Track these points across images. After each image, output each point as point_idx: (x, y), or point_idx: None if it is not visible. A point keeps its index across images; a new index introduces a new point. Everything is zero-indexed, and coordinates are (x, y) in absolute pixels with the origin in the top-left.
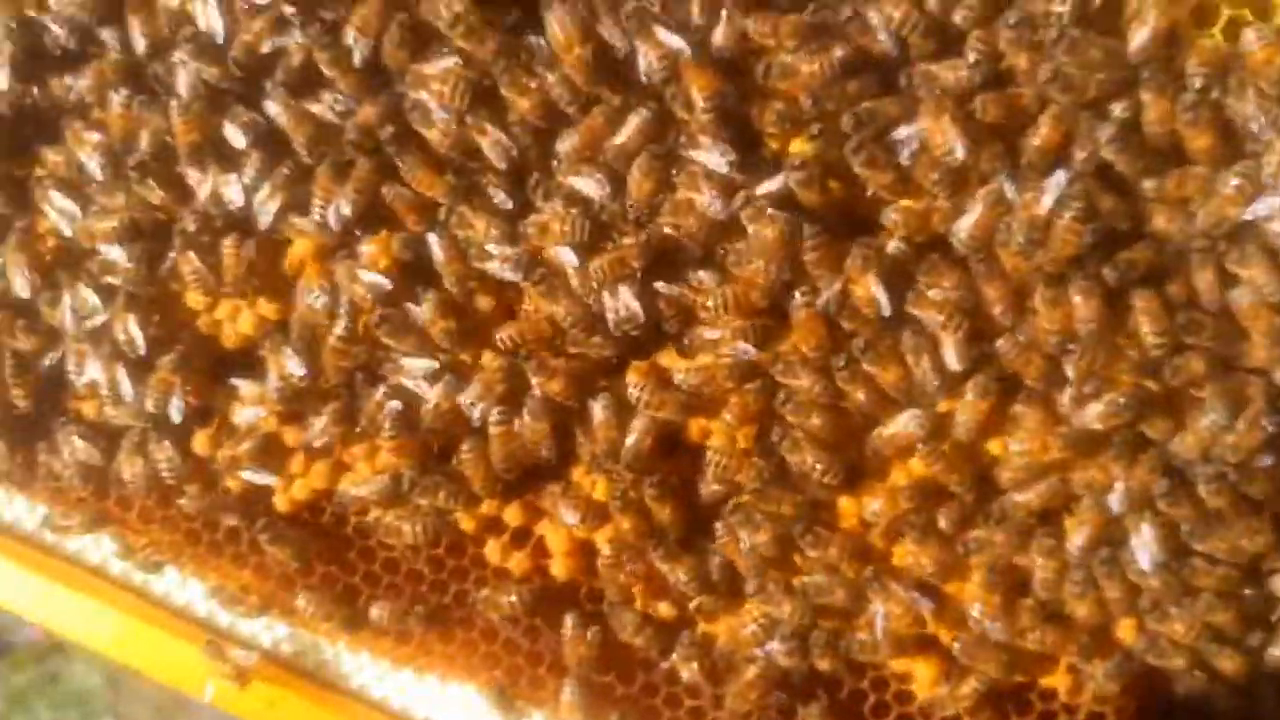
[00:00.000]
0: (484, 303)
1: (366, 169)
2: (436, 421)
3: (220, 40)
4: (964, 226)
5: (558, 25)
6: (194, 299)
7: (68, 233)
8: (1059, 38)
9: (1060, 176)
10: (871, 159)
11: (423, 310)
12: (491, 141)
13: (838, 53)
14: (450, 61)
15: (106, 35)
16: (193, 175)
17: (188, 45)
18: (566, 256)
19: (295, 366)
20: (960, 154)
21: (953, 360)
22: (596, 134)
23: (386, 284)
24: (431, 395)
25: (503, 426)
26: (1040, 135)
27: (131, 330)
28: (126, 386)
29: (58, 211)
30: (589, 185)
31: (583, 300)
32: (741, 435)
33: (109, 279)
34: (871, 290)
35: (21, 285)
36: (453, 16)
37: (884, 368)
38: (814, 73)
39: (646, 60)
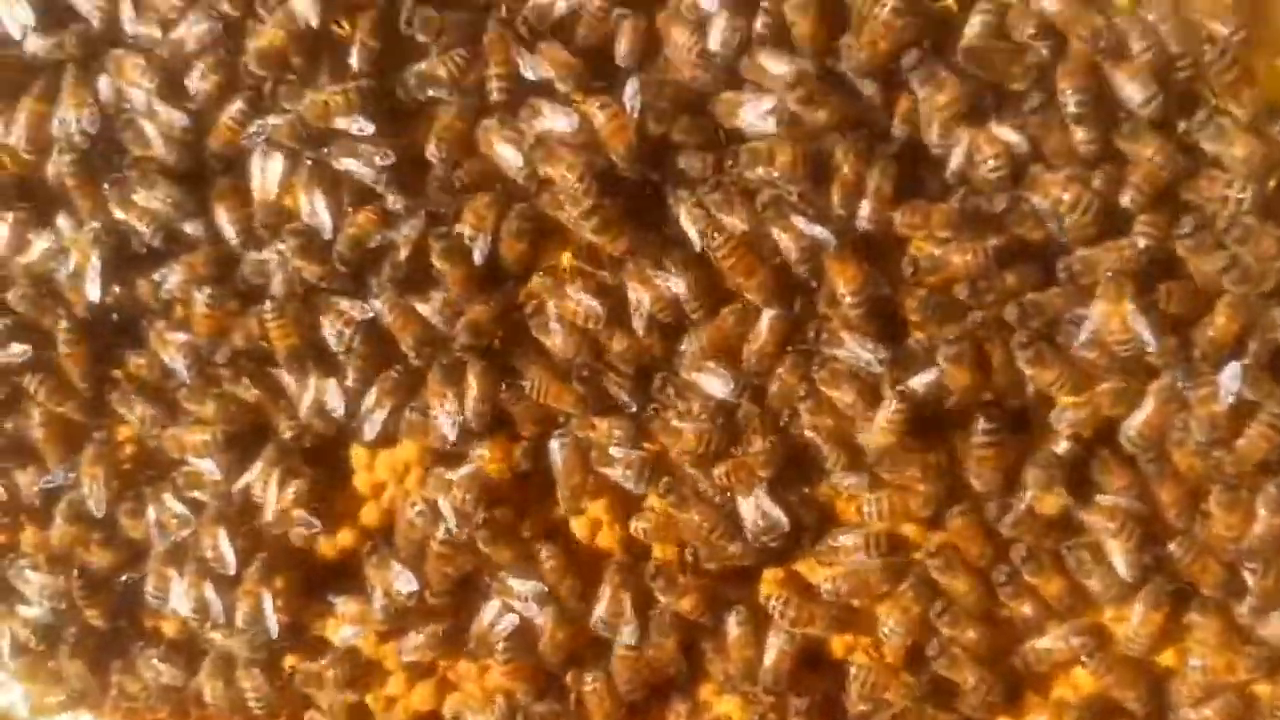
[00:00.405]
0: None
1: (481, 373)
2: (555, 654)
3: (328, 235)
4: (1134, 425)
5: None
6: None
7: (152, 441)
8: (1232, 226)
9: (1235, 369)
10: (1039, 355)
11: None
12: (623, 348)
13: (992, 242)
14: (595, 304)
15: (191, 229)
16: (291, 383)
17: (292, 240)
18: (692, 466)
19: (405, 583)
20: (1151, 342)
21: (1124, 570)
22: (726, 334)
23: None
24: (543, 621)
25: (634, 651)
26: (1215, 326)
27: (222, 547)
28: (217, 607)
29: (140, 419)
30: (716, 384)
31: (719, 506)
32: (889, 649)
33: (196, 493)
34: (1060, 504)
35: (98, 502)
36: (586, 209)
37: (1047, 579)
38: (968, 264)
39: (787, 251)
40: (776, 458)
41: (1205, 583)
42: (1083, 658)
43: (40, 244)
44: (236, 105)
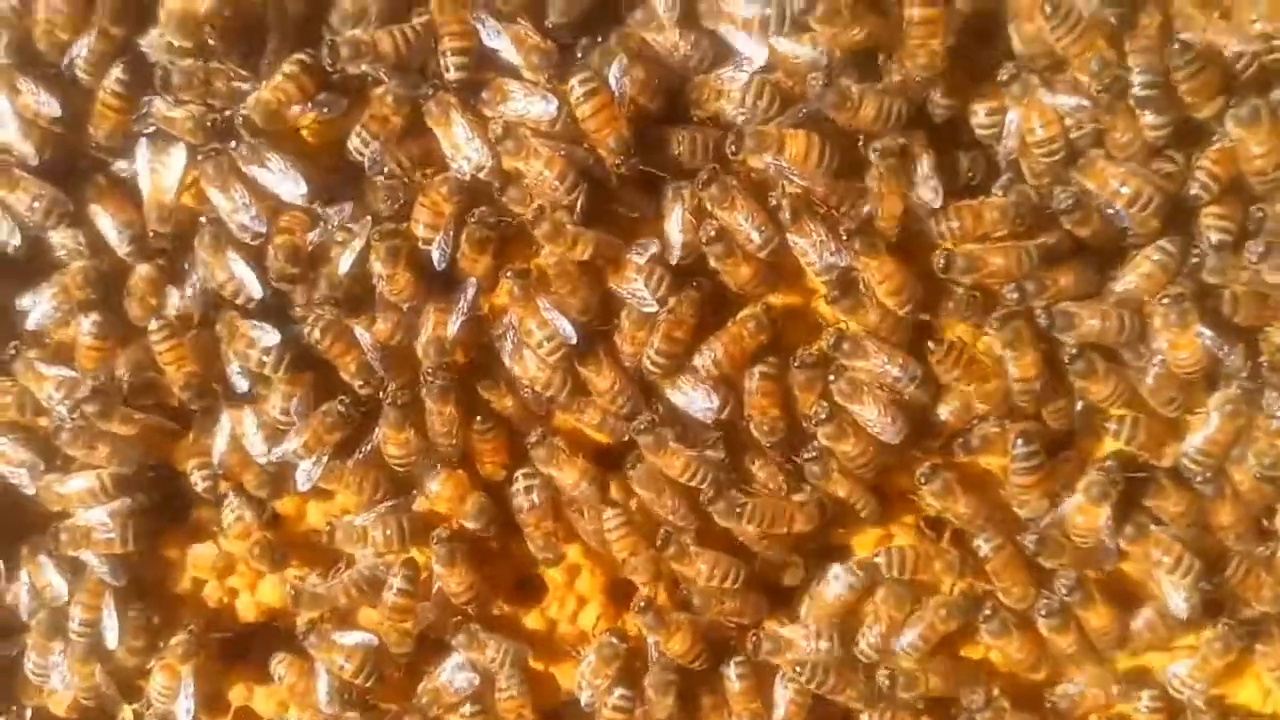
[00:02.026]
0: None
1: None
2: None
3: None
4: (1195, 443)
5: None
6: (201, 569)
7: (30, 491)
8: None
9: None
10: (1090, 368)
11: None
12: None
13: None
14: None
15: (63, 239)
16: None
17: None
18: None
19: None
20: (1235, 362)
21: (1180, 609)
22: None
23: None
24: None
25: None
26: None
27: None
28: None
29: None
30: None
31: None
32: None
33: (81, 552)
34: (1100, 522)
35: None
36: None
37: (1095, 610)
38: (1009, 266)
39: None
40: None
41: (1262, 599)
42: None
43: None
44: (115, 74)
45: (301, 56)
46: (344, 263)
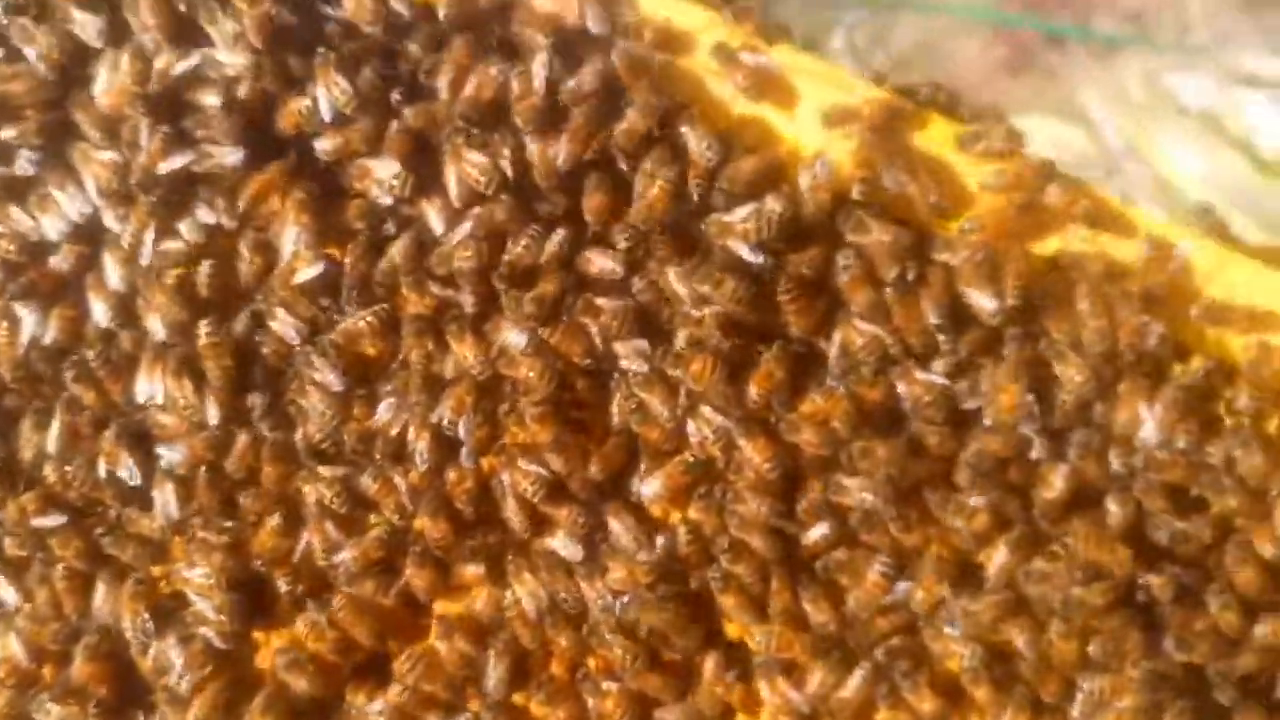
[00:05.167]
0: None
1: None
2: None
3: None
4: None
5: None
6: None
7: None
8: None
9: None
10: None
11: None
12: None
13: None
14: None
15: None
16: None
17: None
18: None
19: None
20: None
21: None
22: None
23: None
24: None
25: None
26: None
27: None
28: None
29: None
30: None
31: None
32: None
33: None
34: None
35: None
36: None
37: (921, 697)
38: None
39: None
40: None
41: (1047, 692)
42: None
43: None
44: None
45: (382, 309)
46: (394, 427)
